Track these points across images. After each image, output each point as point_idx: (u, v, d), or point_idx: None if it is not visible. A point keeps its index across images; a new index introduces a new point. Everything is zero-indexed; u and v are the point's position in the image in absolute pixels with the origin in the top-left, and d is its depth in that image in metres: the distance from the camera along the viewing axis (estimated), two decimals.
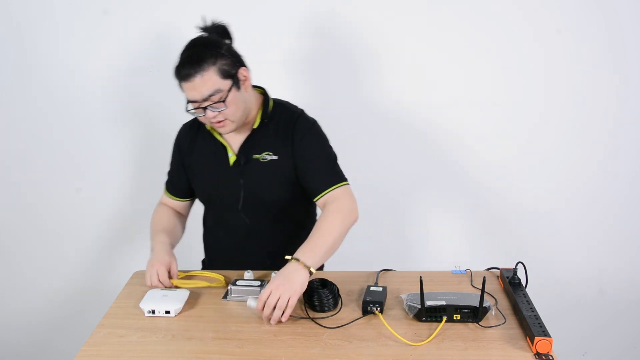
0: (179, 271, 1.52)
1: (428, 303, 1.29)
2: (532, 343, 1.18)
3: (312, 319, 1.32)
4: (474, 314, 1.28)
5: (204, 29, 1.46)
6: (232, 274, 1.55)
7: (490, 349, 1.20)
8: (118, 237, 2.29)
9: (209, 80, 1.37)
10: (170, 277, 1.48)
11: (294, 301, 1.28)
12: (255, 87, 1.57)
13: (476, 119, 2.07)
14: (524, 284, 1.43)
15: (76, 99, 2.10)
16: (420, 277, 1.27)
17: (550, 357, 1.16)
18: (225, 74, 1.40)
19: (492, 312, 1.32)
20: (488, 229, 2.23)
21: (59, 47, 2.04)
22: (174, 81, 1.42)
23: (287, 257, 1.35)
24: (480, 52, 1.99)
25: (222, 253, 1.71)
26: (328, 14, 1.98)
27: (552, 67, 2.00)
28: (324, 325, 1.30)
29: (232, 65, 1.41)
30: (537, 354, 1.17)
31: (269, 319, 1.30)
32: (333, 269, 1.60)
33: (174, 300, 1.39)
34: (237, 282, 1.45)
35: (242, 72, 1.44)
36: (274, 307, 1.27)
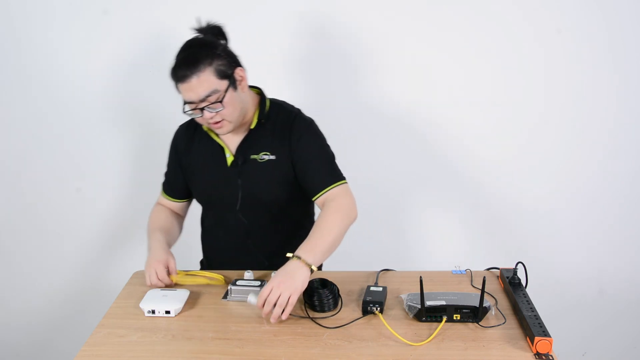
0: (179, 270, 1.52)
1: (428, 303, 1.29)
2: (532, 343, 1.18)
3: (312, 319, 1.32)
4: (474, 314, 1.28)
5: (199, 30, 1.45)
6: (232, 274, 1.55)
7: (490, 349, 1.20)
8: (118, 237, 2.29)
9: (205, 81, 1.37)
10: (169, 273, 1.48)
11: (294, 299, 1.28)
12: (251, 87, 1.57)
13: (476, 119, 2.07)
14: (524, 284, 1.43)
15: (76, 99, 2.10)
16: (420, 277, 1.27)
17: (550, 357, 1.16)
18: (222, 75, 1.39)
19: (492, 312, 1.32)
20: (488, 229, 2.23)
21: (59, 47, 2.04)
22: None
23: (289, 254, 1.35)
24: (480, 52, 1.99)
25: (220, 253, 1.71)
26: (328, 13, 1.98)
27: (552, 67, 2.00)
28: (324, 325, 1.30)
29: (229, 66, 1.41)
30: (537, 354, 1.17)
31: (269, 316, 1.30)
32: (333, 269, 1.60)
33: (174, 300, 1.39)
34: (237, 282, 1.45)
35: (238, 72, 1.44)
36: (274, 305, 1.27)
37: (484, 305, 1.28)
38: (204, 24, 1.46)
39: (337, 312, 1.36)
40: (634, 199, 2.16)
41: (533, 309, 1.29)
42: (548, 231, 2.21)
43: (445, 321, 1.28)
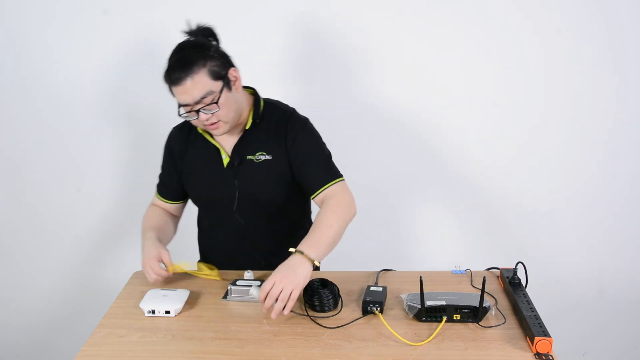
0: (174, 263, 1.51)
1: (428, 303, 1.29)
2: (532, 343, 1.18)
3: (312, 319, 1.32)
4: (474, 314, 1.28)
5: (190, 32, 1.45)
6: (232, 274, 1.55)
7: (490, 349, 1.20)
8: (118, 237, 2.29)
9: (199, 82, 1.37)
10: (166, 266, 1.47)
11: (296, 294, 1.27)
12: (245, 87, 1.56)
13: (476, 119, 2.07)
14: (524, 284, 1.43)
15: (76, 99, 2.10)
16: (420, 277, 1.27)
17: (550, 357, 1.16)
18: (216, 75, 1.39)
19: (492, 312, 1.32)
20: (488, 229, 2.23)
21: (59, 47, 2.04)
22: None
23: (291, 249, 1.35)
24: (480, 52, 1.99)
25: (217, 254, 1.71)
26: (327, 13, 1.98)
27: (552, 67, 2.00)
28: (324, 325, 1.30)
29: (222, 66, 1.41)
30: (537, 354, 1.17)
31: (270, 312, 1.29)
32: (333, 269, 1.60)
33: (174, 300, 1.39)
34: (237, 282, 1.45)
35: (232, 72, 1.44)
36: (276, 300, 1.27)
37: (484, 305, 1.28)
38: (194, 26, 1.45)
39: (337, 312, 1.36)
40: (634, 199, 2.16)
41: (533, 309, 1.29)
42: (548, 231, 2.21)
43: (445, 321, 1.28)
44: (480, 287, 1.26)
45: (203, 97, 1.38)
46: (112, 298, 1.48)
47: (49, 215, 2.26)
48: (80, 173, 2.21)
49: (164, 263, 1.47)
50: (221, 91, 1.40)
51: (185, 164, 1.60)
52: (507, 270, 1.49)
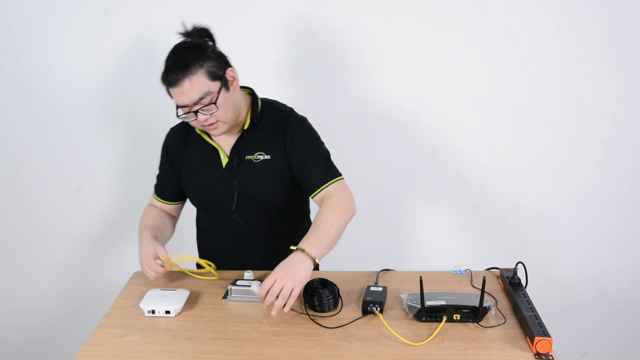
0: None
1: (428, 303, 1.29)
2: (532, 343, 1.18)
3: (312, 319, 1.32)
4: (474, 314, 1.28)
5: (186, 34, 1.44)
6: (232, 274, 1.55)
7: (490, 349, 1.20)
8: (118, 237, 2.29)
9: (197, 83, 1.36)
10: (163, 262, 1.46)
11: (297, 292, 1.27)
12: (243, 87, 1.56)
13: (476, 119, 2.07)
14: (524, 284, 1.43)
15: (76, 99, 2.10)
16: (420, 277, 1.27)
17: (550, 357, 1.16)
18: (214, 76, 1.39)
19: (492, 312, 1.32)
20: (488, 229, 2.23)
21: (59, 47, 2.04)
22: None
23: (292, 247, 1.35)
24: (480, 52, 1.99)
25: (216, 254, 1.70)
26: (327, 13, 1.98)
27: (552, 67, 2.00)
28: (324, 325, 1.30)
29: (220, 67, 1.41)
30: (537, 354, 1.17)
31: (270, 309, 1.29)
32: (333, 269, 1.60)
33: (174, 300, 1.39)
34: (237, 282, 1.45)
35: (229, 72, 1.44)
36: (277, 297, 1.27)
37: (484, 305, 1.28)
38: (189, 27, 1.45)
39: (337, 312, 1.36)
40: (634, 199, 2.16)
41: (533, 309, 1.29)
42: (548, 231, 2.21)
43: (445, 321, 1.28)
44: (480, 287, 1.26)
45: (201, 98, 1.38)
46: (112, 298, 1.48)
47: (49, 215, 2.26)
48: (80, 173, 2.21)
49: (160, 260, 1.46)
50: (219, 91, 1.40)
51: (183, 165, 1.60)
52: (507, 270, 1.49)
